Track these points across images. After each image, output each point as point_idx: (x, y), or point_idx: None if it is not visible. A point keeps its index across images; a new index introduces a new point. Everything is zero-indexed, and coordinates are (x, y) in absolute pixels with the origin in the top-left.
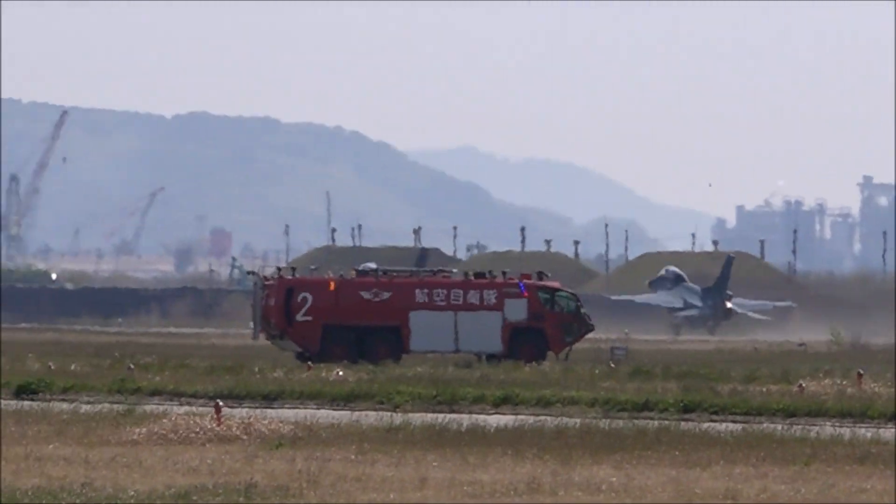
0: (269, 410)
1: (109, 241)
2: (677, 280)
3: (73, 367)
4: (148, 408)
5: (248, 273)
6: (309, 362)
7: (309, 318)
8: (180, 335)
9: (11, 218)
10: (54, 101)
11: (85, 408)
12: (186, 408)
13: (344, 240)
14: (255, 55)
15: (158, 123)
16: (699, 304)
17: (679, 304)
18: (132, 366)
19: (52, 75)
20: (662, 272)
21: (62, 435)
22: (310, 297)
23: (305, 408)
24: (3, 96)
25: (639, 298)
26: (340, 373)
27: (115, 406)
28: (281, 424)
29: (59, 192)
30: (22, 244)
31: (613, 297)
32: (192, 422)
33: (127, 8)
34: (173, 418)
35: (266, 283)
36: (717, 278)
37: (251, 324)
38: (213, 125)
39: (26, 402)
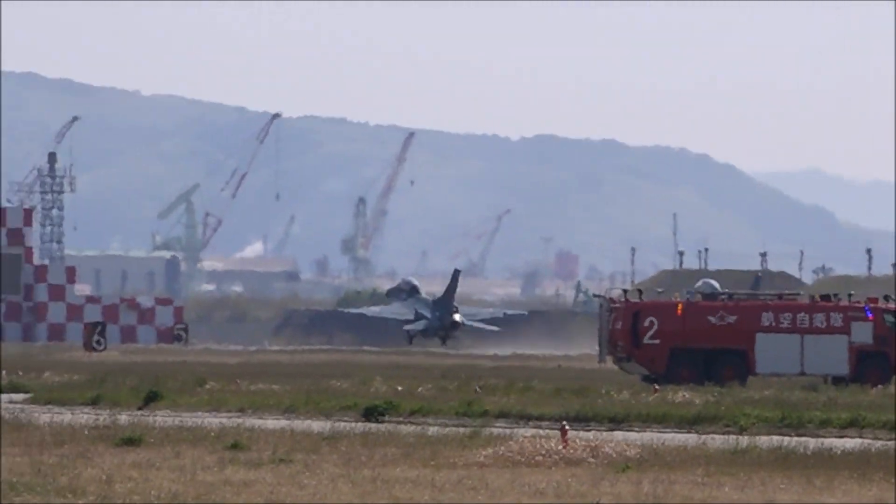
0: (615, 433)
1: (455, 263)
2: (412, 291)
3: (419, 390)
4: (494, 430)
5: (595, 297)
6: (655, 385)
7: (656, 342)
8: (525, 357)
9: (359, 240)
10: (401, 124)
11: (432, 430)
12: (533, 430)
13: (690, 262)
14: (599, 79)
15: (504, 146)
16: (429, 315)
17: (411, 316)
18: (478, 388)
19: (398, 98)
20: (399, 283)
21: (409, 457)
22: (656, 321)
23: (652, 430)
24: (351, 119)
25: (370, 311)
26: (686, 395)
27: (462, 428)
28: (627, 447)
29: (407, 215)
30: (370, 266)
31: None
32: (538, 444)
33: (475, 30)
34: (520, 440)
35: (613, 306)
36: (444, 290)
37: (598, 347)
38: (559, 147)
39: (373, 425)
